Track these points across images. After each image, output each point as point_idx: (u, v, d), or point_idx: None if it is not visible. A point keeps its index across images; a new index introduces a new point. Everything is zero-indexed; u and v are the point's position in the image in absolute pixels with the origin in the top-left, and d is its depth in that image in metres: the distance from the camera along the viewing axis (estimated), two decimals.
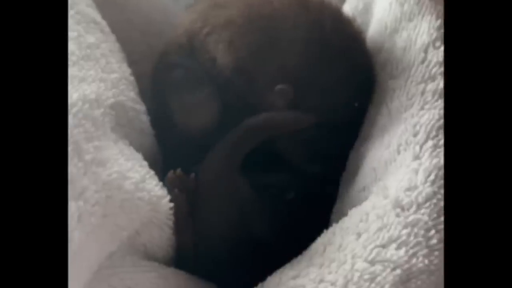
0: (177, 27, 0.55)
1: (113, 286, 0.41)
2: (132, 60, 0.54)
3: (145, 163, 0.45)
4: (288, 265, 0.42)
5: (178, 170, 0.46)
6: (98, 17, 0.52)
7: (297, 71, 0.49)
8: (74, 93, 0.41)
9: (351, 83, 0.50)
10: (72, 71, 0.43)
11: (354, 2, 0.60)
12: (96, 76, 0.45)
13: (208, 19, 0.52)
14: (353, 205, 0.44)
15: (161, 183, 0.45)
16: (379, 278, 0.37)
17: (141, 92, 0.52)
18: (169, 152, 0.52)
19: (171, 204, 0.44)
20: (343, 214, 0.44)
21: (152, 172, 0.45)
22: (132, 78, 0.51)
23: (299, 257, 0.43)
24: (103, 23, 0.52)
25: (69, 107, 0.40)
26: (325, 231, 0.43)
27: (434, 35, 0.47)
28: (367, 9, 0.58)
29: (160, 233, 0.44)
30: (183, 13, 0.59)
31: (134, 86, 0.51)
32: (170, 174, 0.46)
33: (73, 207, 0.37)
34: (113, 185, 0.40)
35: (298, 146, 0.51)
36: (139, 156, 0.45)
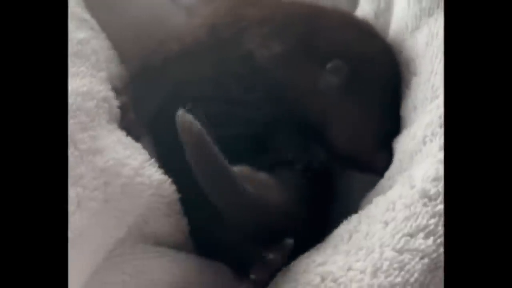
0: (191, 21, 0.55)
1: (126, 272, 0.42)
2: (123, 60, 0.54)
3: (144, 151, 0.45)
4: (313, 251, 0.42)
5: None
6: (87, 16, 0.52)
7: (346, 48, 0.49)
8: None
9: (392, 58, 0.51)
10: None
11: (376, 1, 0.60)
12: (87, 72, 0.46)
13: (241, 15, 0.51)
14: (378, 194, 0.44)
15: (161, 170, 0.45)
16: (408, 267, 0.37)
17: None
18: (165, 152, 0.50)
19: (174, 187, 0.44)
20: (369, 202, 0.43)
21: (152, 160, 0.45)
22: (122, 75, 0.51)
23: (323, 243, 0.42)
24: (92, 21, 0.52)
25: None
26: (349, 218, 0.43)
27: None
28: (388, 7, 0.58)
29: (168, 219, 0.44)
30: (199, 7, 0.59)
31: (122, 80, 0.51)
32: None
33: (72, 193, 0.38)
34: (111, 171, 0.41)
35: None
36: (138, 145, 0.46)
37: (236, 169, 0.41)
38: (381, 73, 0.50)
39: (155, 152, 0.49)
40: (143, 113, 0.52)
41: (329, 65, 0.48)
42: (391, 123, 0.49)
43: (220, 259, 0.47)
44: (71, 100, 0.42)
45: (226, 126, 0.48)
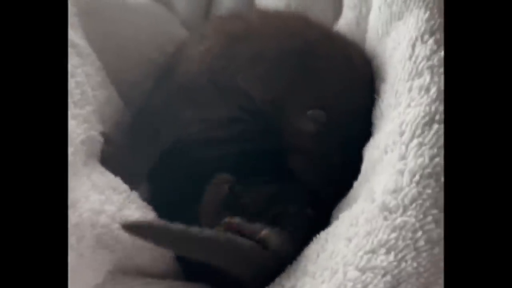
0: (188, 62, 0.52)
1: None
2: (123, 69, 0.53)
3: (124, 187, 0.43)
4: (284, 274, 0.40)
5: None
6: (76, 37, 0.49)
7: (328, 97, 0.48)
8: None
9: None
10: None
11: (358, 7, 0.58)
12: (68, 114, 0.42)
13: (233, 56, 0.50)
14: (346, 204, 0.42)
15: (144, 203, 0.43)
16: (370, 287, 0.35)
17: (130, 100, 0.51)
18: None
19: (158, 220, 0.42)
20: (336, 217, 0.41)
21: (133, 195, 0.43)
22: (112, 99, 0.49)
23: (294, 264, 0.40)
24: (82, 43, 0.49)
25: None
26: (318, 236, 0.41)
27: (423, 28, 0.44)
28: (368, 14, 0.56)
29: (152, 252, 0.42)
30: (192, 43, 0.55)
31: (112, 108, 0.49)
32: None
33: None
34: (85, 224, 0.38)
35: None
36: (117, 182, 0.43)
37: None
38: (357, 121, 0.48)
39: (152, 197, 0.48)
40: (143, 159, 0.50)
41: (310, 113, 0.47)
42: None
43: (207, 282, 0.45)
44: None
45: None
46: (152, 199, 0.47)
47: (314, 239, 0.41)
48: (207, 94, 0.50)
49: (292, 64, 0.48)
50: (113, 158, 0.47)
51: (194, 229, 0.39)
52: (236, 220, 0.40)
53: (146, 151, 0.51)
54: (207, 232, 0.39)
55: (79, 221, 0.38)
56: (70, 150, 0.41)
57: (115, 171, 0.45)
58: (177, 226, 0.38)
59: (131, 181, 0.45)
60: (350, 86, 0.48)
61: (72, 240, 0.37)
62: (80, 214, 0.38)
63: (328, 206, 0.46)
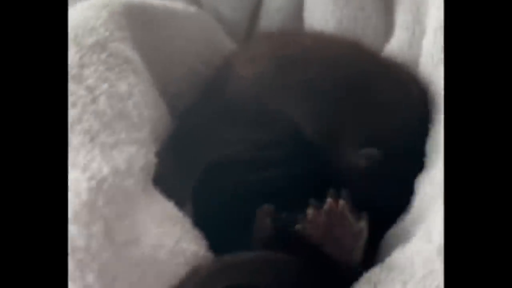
0: (238, 81, 0.51)
1: None
2: (168, 80, 0.52)
3: (178, 215, 0.41)
4: None
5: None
6: (131, 52, 0.46)
7: (383, 132, 0.47)
8: (104, 166, 0.36)
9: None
10: (103, 137, 0.38)
11: (410, 28, 0.56)
12: (127, 138, 0.40)
13: (285, 83, 0.48)
14: (397, 239, 0.41)
15: (196, 232, 0.42)
16: None
17: (174, 113, 0.51)
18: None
19: (209, 254, 0.41)
20: (388, 254, 0.40)
21: (188, 224, 0.41)
22: (165, 115, 0.49)
23: None
24: (136, 59, 0.47)
25: (100, 182, 0.35)
26: (367, 275, 0.39)
27: None
28: (422, 36, 0.54)
29: None
30: (243, 62, 0.54)
31: (164, 126, 0.48)
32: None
33: None
34: (146, 261, 0.36)
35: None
36: (172, 210, 0.41)
37: None
38: (411, 154, 0.46)
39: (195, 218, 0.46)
40: (187, 177, 0.49)
41: (363, 151, 0.45)
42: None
43: None
44: (108, 182, 0.36)
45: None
46: (197, 221, 0.47)
47: (364, 275, 0.40)
48: (255, 116, 0.49)
49: (346, 97, 0.47)
50: (162, 178, 0.46)
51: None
52: (342, 202, 0.40)
53: (189, 169, 0.50)
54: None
55: (141, 259, 0.36)
56: (131, 181, 0.38)
57: (165, 192, 0.44)
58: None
59: (177, 201, 0.45)
60: (406, 119, 0.47)
61: (134, 277, 0.35)
62: (143, 251, 0.36)
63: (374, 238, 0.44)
